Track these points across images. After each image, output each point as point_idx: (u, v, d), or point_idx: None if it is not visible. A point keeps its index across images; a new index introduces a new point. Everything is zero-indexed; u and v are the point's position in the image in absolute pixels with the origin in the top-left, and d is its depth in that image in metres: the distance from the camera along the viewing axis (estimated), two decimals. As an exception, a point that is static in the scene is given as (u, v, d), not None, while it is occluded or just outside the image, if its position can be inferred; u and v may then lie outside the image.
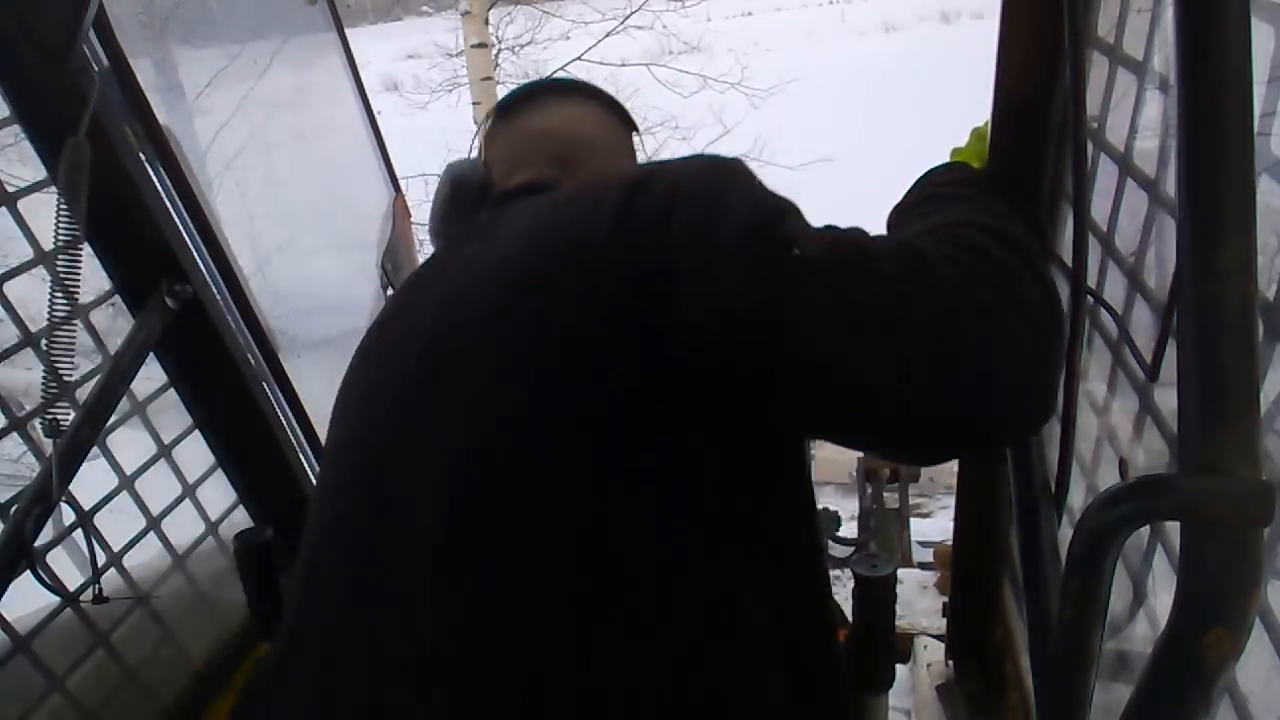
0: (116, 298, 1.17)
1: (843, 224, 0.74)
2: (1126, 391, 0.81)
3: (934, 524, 4.61)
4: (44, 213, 1.00)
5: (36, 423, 1.01)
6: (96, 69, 1.08)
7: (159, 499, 1.22)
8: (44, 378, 1.01)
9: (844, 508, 4.32)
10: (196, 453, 1.29)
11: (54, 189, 1.01)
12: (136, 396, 1.17)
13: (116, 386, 1.09)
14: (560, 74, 8.12)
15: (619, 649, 0.66)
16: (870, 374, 0.64)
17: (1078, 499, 0.92)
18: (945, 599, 1.42)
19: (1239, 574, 0.44)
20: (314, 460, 1.46)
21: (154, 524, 1.21)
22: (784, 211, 0.70)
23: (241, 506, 1.37)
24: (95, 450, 1.08)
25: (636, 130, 1.09)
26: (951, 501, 1.28)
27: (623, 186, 0.73)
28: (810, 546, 0.80)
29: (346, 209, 1.91)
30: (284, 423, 1.38)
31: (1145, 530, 0.76)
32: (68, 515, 1.06)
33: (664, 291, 0.67)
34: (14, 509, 0.97)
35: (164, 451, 1.23)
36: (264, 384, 1.35)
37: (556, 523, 0.67)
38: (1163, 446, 0.75)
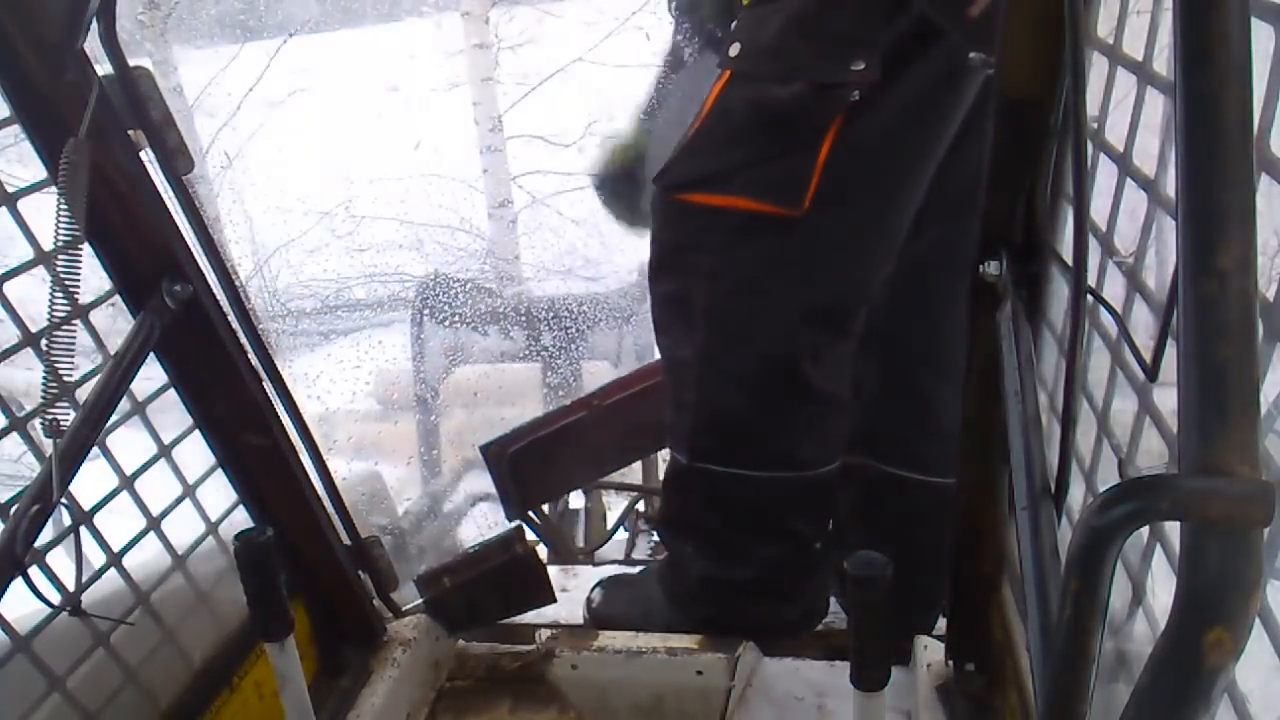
0: (116, 298, 1.17)
1: None
2: (1126, 391, 0.81)
3: (934, 524, 4.60)
4: (44, 213, 1.00)
5: (36, 423, 1.01)
6: (97, 69, 1.08)
7: (159, 499, 1.22)
8: (44, 378, 1.01)
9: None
10: (196, 453, 1.29)
11: (54, 189, 1.01)
12: (136, 396, 1.17)
13: (116, 386, 1.09)
14: (559, 74, 8.14)
15: None
16: None
17: (1078, 499, 0.92)
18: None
19: (1239, 574, 0.44)
20: (314, 460, 1.46)
21: (154, 524, 1.21)
22: None
23: (241, 506, 1.37)
24: (95, 450, 1.08)
25: None
26: (951, 501, 1.28)
27: None
28: None
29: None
30: (284, 423, 1.38)
31: (1145, 530, 0.76)
32: (68, 516, 1.06)
33: None
34: (13, 509, 0.97)
35: (164, 451, 1.23)
36: (264, 384, 1.35)
37: None
38: (1163, 447, 0.75)
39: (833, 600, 1.72)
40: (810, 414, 1.43)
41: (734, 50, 1.30)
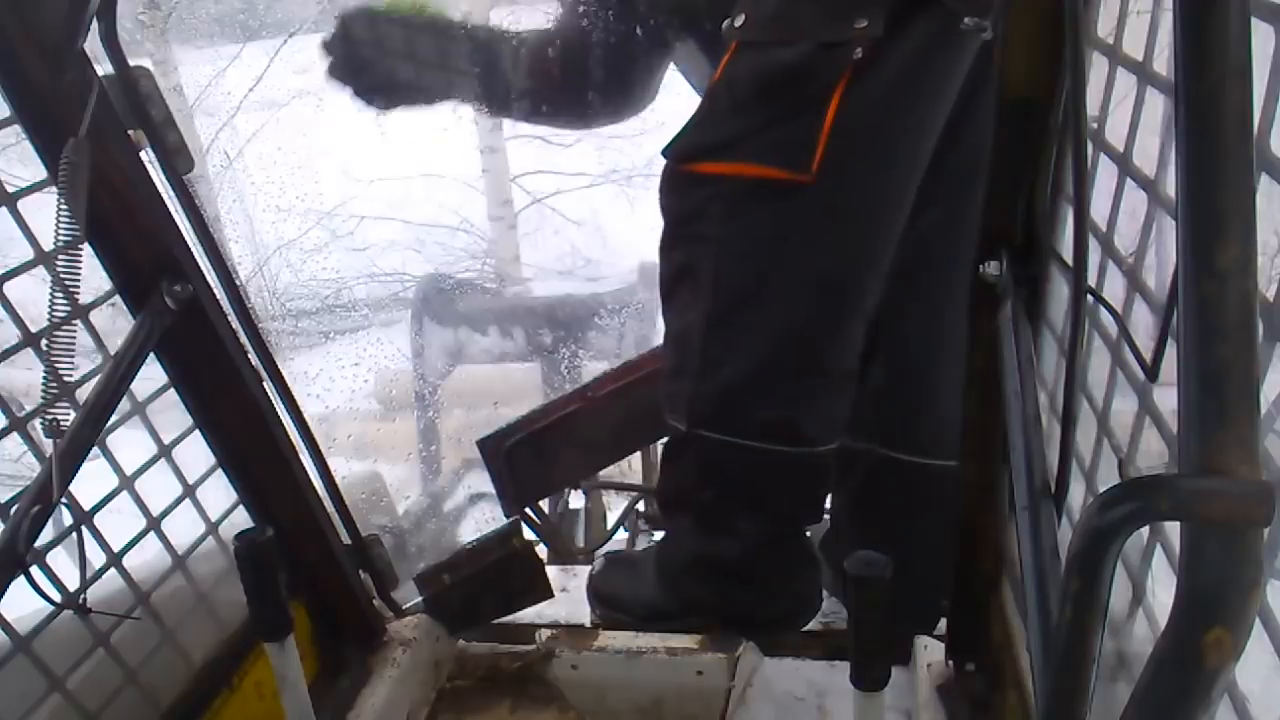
0: (116, 298, 1.17)
1: None
2: (1126, 391, 0.81)
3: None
4: (44, 213, 1.00)
5: (36, 423, 1.01)
6: (97, 69, 1.08)
7: (159, 499, 1.22)
8: (44, 378, 1.01)
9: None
10: (196, 453, 1.29)
11: (54, 189, 1.01)
12: (136, 396, 1.17)
13: (116, 386, 1.09)
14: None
15: None
16: None
17: (1078, 499, 0.92)
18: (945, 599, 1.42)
19: (1239, 574, 0.44)
20: (314, 460, 1.46)
21: (154, 524, 1.21)
22: None
23: (241, 506, 1.37)
24: (95, 450, 1.08)
25: None
26: (951, 502, 1.28)
27: None
28: None
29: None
30: (284, 423, 1.38)
31: (1145, 530, 0.76)
32: (68, 516, 1.06)
33: None
34: (13, 509, 0.97)
35: (164, 451, 1.23)
36: (264, 384, 1.35)
37: None
38: (1163, 447, 0.75)
39: (833, 600, 1.72)
40: (815, 388, 1.43)
41: (740, 21, 1.31)
